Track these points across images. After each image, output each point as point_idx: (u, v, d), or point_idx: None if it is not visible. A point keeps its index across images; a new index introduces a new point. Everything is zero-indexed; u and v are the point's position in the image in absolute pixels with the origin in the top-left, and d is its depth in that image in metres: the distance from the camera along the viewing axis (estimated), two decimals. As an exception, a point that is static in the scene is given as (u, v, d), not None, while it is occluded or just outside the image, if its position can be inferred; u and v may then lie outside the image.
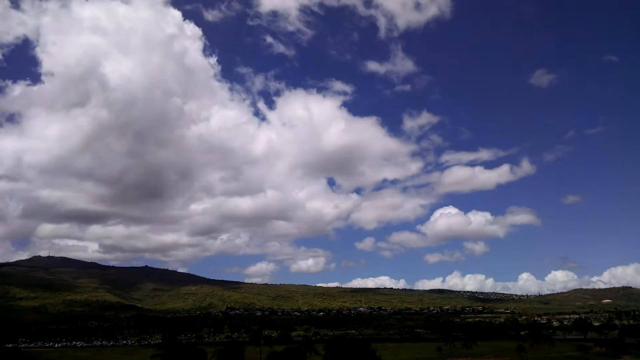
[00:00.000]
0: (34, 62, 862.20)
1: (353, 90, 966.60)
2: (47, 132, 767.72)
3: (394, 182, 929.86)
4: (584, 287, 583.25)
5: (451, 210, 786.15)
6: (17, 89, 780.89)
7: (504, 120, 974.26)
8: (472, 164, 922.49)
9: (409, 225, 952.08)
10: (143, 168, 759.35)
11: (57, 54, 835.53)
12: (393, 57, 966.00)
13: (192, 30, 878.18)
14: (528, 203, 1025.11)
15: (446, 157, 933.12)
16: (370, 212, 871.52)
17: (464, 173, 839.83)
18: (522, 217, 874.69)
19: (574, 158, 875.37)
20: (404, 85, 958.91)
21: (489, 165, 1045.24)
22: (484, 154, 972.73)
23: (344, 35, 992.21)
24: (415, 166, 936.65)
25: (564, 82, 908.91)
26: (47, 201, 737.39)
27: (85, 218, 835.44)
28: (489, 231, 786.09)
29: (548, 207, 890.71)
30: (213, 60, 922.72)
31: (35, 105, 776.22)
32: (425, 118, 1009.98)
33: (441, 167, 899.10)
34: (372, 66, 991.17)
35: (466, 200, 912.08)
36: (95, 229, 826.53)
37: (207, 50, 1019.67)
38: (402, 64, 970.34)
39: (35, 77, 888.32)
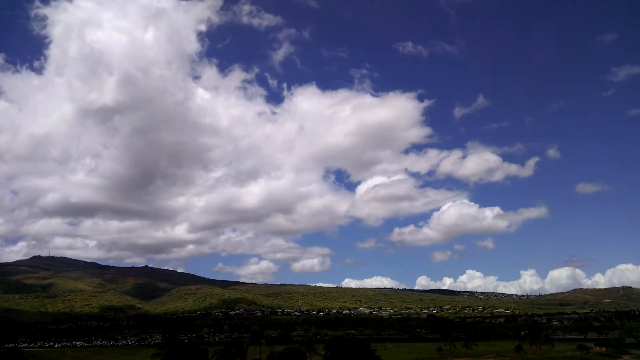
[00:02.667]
0: (18, 33, 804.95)
1: (381, 73, 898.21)
2: (29, 112, 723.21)
3: (408, 176, 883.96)
4: (584, 287, 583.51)
5: (459, 205, 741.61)
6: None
7: (548, 107, 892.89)
8: (495, 155, 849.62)
9: (413, 222, 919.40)
10: (139, 155, 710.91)
11: (43, 25, 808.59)
12: (448, 34, 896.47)
13: (194, 8, 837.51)
14: (545, 196, 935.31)
15: (470, 149, 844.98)
16: (373, 209, 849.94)
17: (483, 166, 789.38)
18: (535, 211, 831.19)
19: (608, 145, 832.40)
20: (459, 65, 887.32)
21: (514, 158, 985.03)
22: (516, 148, 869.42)
23: (387, 10, 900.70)
24: (435, 158, 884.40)
25: (621, 45, 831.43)
26: (36, 191, 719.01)
27: (79, 212, 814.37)
28: (497, 227, 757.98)
29: (563, 200, 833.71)
30: (218, 40, 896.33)
31: (14, 81, 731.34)
32: (478, 104, 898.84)
33: (460, 159, 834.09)
34: (411, 46, 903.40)
35: (478, 195, 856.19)
36: (93, 226, 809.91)
37: (212, 30, 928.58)
38: (457, 42, 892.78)
39: (15, 51, 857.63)
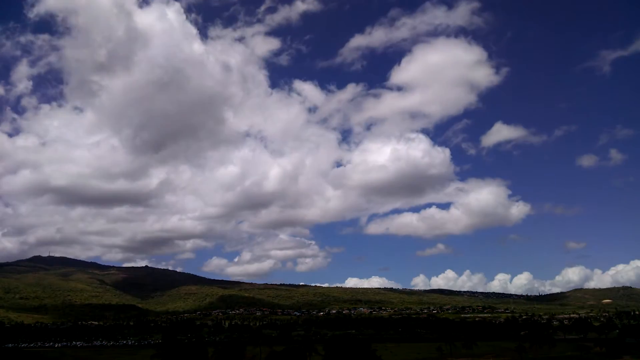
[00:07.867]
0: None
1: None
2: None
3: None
4: (585, 287, 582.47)
5: (463, 200, 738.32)
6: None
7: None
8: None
9: (420, 216, 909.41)
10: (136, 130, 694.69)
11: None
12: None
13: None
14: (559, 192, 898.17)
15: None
16: (378, 203, 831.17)
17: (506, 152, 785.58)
18: (543, 206, 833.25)
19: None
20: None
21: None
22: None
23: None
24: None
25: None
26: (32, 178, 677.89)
27: (76, 202, 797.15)
28: (501, 223, 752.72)
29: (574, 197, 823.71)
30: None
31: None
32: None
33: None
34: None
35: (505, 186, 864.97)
36: (93, 224, 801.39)
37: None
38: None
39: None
